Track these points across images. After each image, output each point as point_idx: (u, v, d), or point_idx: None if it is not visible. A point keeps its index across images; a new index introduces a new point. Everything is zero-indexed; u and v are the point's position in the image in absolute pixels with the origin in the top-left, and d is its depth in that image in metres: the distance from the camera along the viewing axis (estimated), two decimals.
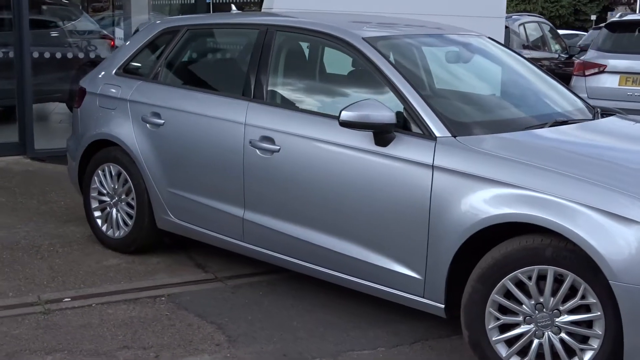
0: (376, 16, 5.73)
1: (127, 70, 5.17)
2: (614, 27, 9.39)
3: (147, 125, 4.81)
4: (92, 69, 5.63)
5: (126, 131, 4.92)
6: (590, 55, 9.20)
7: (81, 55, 10.12)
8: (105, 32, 11.55)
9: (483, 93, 4.39)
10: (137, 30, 5.35)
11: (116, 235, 5.13)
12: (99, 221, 5.25)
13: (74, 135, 5.45)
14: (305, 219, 4.10)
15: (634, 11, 39.13)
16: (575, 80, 9.13)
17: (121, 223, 5.08)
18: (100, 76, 5.31)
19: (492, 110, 4.24)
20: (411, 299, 3.77)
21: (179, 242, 5.19)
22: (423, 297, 3.72)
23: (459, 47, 4.64)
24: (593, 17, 36.39)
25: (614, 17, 10.58)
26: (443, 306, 3.65)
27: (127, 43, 5.35)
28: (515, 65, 4.68)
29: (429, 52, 4.43)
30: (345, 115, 3.70)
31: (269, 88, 4.34)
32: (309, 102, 4.34)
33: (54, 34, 10.29)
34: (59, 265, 4.90)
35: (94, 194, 5.23)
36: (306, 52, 4.57)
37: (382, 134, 3.74)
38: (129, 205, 5.03)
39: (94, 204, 5.26)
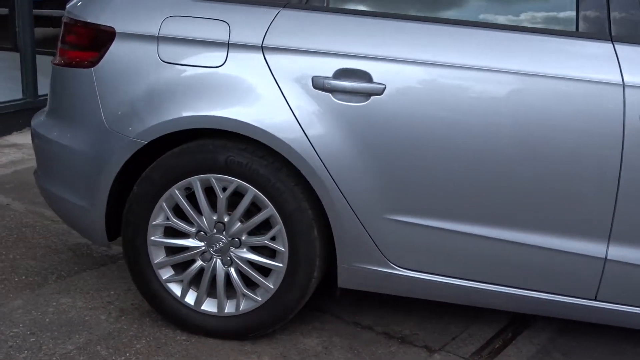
0: None
1: None
2: None
3: (332, 95, 2.42)
4: None
5: (270, 109, 2.46)
6: None
7: None
8: None
9: None
10: None
11: (228, 310, 2.67)
12: (175, 288, 2.70)
13: (76, 124, 2.72)
14: None
15: None
16: None
17: (241, 287, 2.63)
18: (142, 3, 2.64)
19: None
20: None
21: None
22: None
23: None
24: None
25: None
26: None
27: None
28: None
29: None
30: None
31: None
32: None
33: None
34: None
35: (156, 236, 2.66)
36: None
37: None
38: (259, 251, 2.61)
39: (159, 257, 2.69)
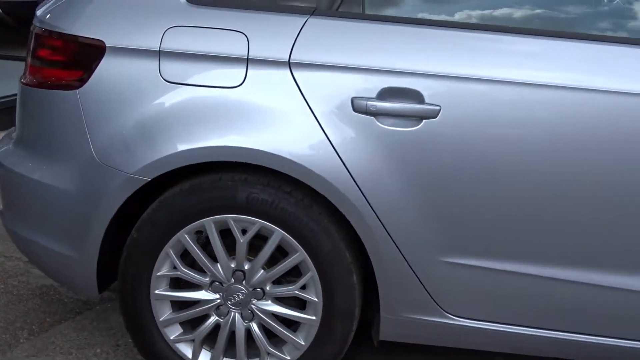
0: None
1: None
2: None
3: (376, 119, 2.04)
4: None
5: (301, 137, 2.07)
6: None
7: None
8: None
9: None
10: None
11: None
12: (184, 348, 2.28)
13: (56, 156, 2.26)
14: None
15: None
16: None
17: (266, 344, 2.24)
18: (137, 11, 2.20)
19: None
20: None
21: None
22: None
23: None
24: None
25: None
26: None
27: None
28: None
29: None
30: None
31: None
32: None
33: None
34: None
35: (160, 289, 2.24)
36: None
37: None
38: (286, 301, 2.22)
39: (164, 313, 2.26)
